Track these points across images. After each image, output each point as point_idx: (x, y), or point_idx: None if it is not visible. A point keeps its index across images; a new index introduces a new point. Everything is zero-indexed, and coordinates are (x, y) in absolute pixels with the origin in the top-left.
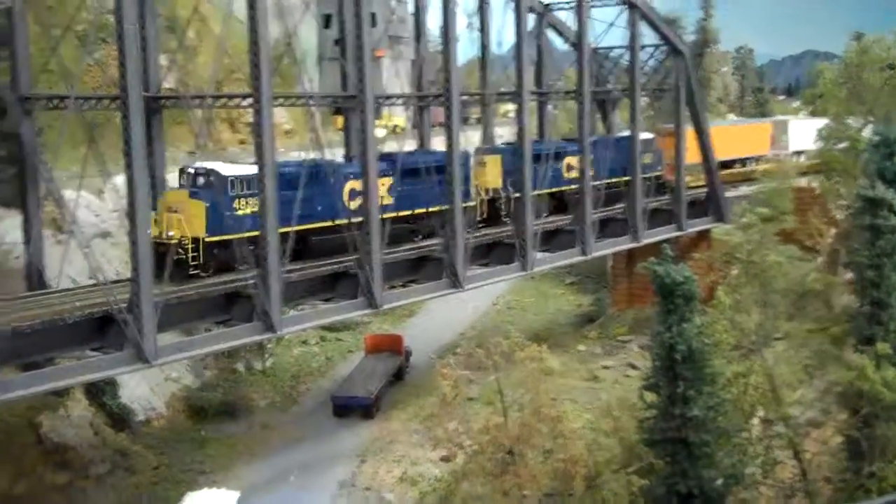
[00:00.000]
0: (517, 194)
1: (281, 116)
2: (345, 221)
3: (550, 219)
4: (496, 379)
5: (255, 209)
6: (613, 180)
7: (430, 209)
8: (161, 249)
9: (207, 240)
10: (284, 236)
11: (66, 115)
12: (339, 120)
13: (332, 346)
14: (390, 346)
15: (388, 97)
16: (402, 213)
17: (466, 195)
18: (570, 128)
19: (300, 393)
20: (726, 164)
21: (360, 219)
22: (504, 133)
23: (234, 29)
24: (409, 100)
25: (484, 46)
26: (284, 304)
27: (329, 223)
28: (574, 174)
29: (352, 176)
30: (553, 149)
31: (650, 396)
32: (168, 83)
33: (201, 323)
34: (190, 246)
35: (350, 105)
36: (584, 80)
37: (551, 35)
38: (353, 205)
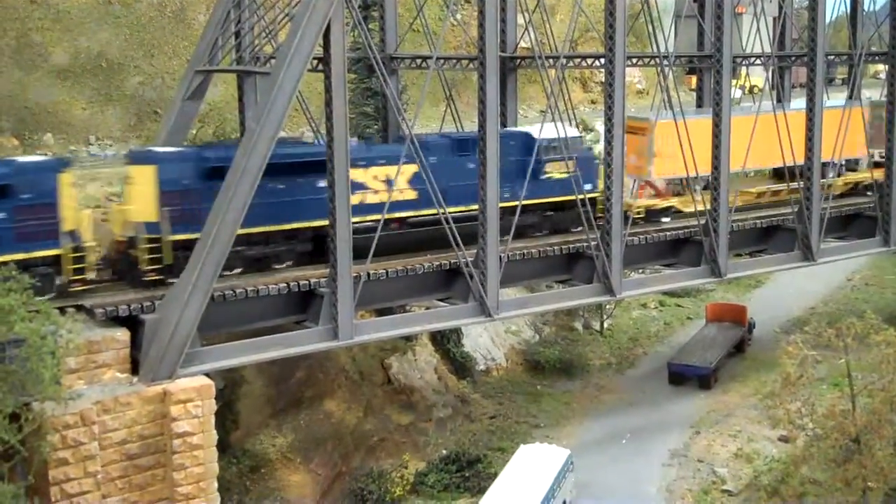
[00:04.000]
0: (191, 235)
1: (633, 75)
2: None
3: None
4: (846, 362)
5: None
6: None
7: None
8: None
9: None
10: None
11: (428, 73)
12: (693, 80)
13: (672, 311)
14: (733, 316)
15: (747, 56)
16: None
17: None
18: None
19: (636, 356)
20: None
21: None
22: (873, 95)
23: None
24: (769, 59)
25: (855, 1)
26: (625, 267)
27: None
28: (376, 195)
29: None
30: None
31: None
32: (524, 42)
33: (543, 280)
34: None
35: (706, 65)
36: None
37: None
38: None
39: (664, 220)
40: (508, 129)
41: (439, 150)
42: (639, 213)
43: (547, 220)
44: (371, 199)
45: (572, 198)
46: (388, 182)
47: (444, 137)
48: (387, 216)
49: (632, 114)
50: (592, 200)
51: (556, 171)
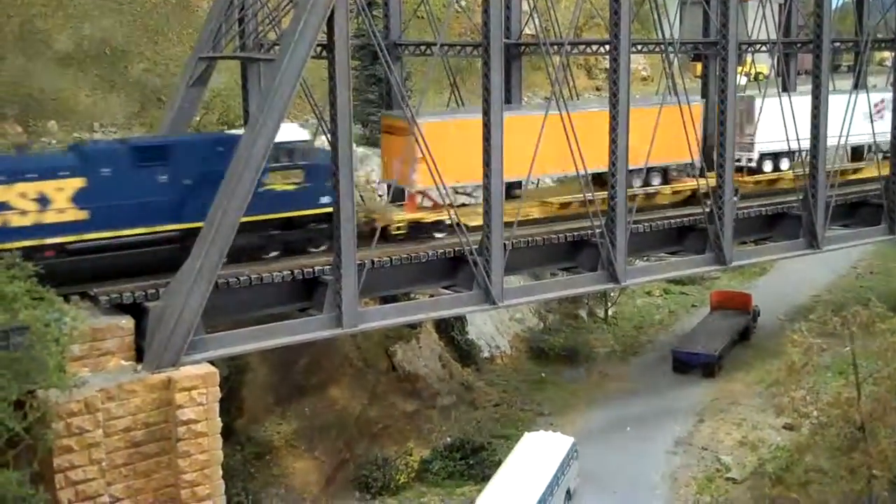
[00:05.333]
0: None
1: (638, 62)
2: None
3: None
4: (851, 350)
5: None
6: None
7: None
8: None
9: None
10: None
11: (432, 60)
12: (698, 67)
13: (676, 299)
14: (738, 304)
15: (752, 43)
16: None
17: None
18: None
19: (641, 344)
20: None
21: None
22: (878, 83)
23: None
24: (775, 46)
25: None
26: (630, 254)
27: None
28: (24, 216)
29: None
30: None
31: None
32: (529, 29)
33: (548, 268)
34: None
35: (711, 51)
36: None
37: None
38: None
39: (437, 235)
40: (216, 133)
41: (115, 161)
42: (399, 227)
43: (274, 239)
44: (17, 221)
45: (303, 213)
46: (42, 200)
47: (122, 144)
48: (38, 242)
49: (389, 112)
50: (332, 215)
51: (279, 182)
